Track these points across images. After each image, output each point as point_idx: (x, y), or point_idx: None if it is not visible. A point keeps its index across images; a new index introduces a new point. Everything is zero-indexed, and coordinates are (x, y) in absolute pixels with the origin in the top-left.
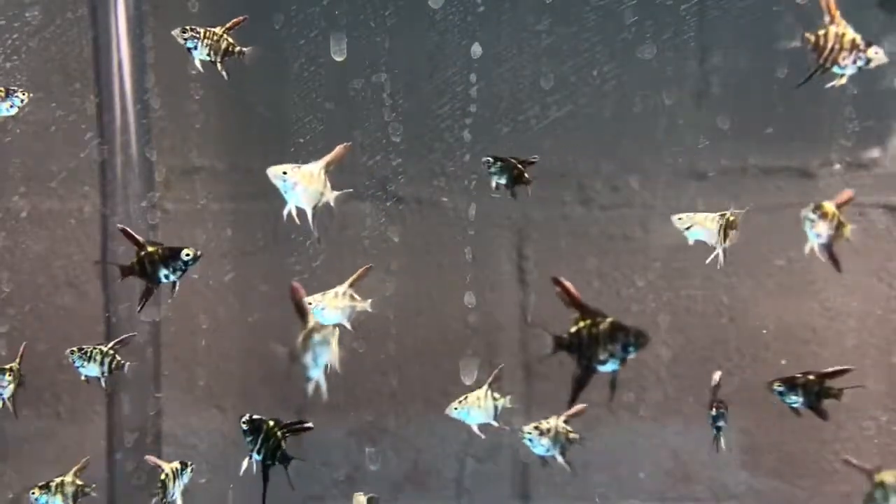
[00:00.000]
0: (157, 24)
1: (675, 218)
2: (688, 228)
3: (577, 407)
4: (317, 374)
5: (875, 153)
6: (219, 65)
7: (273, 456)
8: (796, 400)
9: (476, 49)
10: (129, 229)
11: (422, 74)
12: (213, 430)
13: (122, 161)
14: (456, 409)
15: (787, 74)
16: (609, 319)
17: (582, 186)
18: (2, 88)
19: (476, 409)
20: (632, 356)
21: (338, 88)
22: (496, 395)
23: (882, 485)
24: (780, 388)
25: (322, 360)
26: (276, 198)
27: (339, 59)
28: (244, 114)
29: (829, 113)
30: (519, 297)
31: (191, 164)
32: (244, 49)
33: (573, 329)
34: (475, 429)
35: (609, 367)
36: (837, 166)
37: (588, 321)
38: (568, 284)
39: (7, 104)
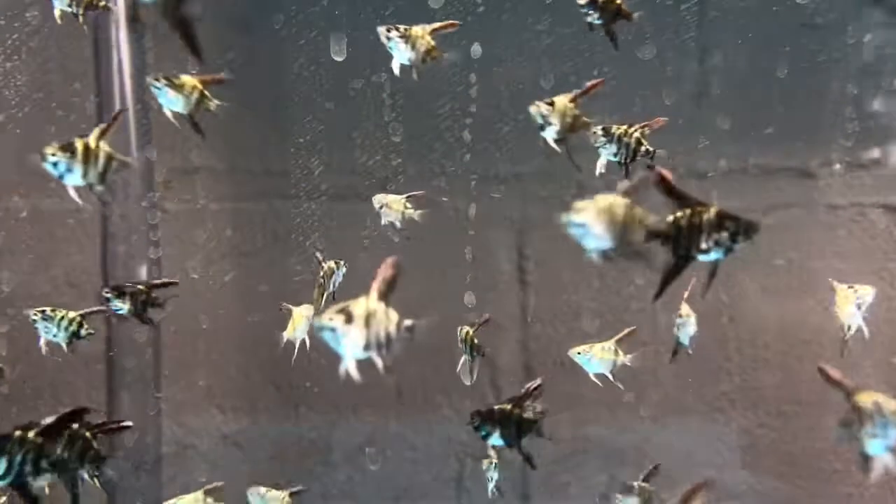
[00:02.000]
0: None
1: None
2: (380, 208)
3: None
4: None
5: (875, 153)
6: (80, 17)
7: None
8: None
9: (476, 49)
10: None
11: (422, 74)
12: (213, 430)
13: None
14: (579, 353)
15: (787, 74)
16: (714, 208)
17: (582, 186)
18: None
19: (598, 359)
20: (739, 247)
21: (338, 88)
22: (619, 350)
23: (859, 409)
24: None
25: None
26: (276, 198)
27: (339, 59)
28: (244, 114)
29: (829, 113)
30: (519, 297)
31: (191, 164)
32: (108, 4)
33: (670, 219)
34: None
35: (712, 256)
36: (837, 166)
37: (688, 211)
38: (666, 174)
39: None
